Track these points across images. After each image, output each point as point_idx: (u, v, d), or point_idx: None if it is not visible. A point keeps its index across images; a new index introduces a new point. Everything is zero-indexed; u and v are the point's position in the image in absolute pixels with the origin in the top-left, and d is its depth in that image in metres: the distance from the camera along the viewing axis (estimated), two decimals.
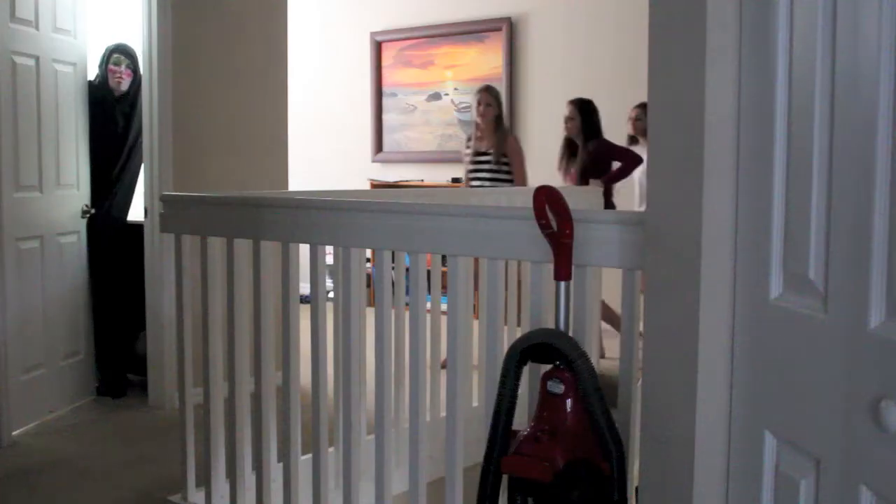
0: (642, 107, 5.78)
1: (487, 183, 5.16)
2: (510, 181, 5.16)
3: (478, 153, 5.28)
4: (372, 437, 2.37)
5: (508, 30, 6.78)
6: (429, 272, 2.76)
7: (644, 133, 5.68)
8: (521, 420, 1.79)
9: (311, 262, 2.46)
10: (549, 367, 1.72)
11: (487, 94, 5.29)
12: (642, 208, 3.46)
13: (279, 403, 2.62)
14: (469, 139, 5.43)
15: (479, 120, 5.27)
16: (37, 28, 3.97)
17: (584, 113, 5.39)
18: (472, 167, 5.31)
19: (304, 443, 2.65)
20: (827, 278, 1.13)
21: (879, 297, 1.02)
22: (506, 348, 1.79)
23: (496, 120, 5.26)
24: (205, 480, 2.85)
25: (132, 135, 4.54)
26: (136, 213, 4.60)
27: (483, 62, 6.97)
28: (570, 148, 5.47)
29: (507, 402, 1.74)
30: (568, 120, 5.43)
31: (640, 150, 5.42)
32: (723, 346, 1.37)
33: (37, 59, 3.96)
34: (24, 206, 3.89)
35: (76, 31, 4.27)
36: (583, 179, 5.30)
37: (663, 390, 1.48)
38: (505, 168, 5.18)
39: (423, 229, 2.16)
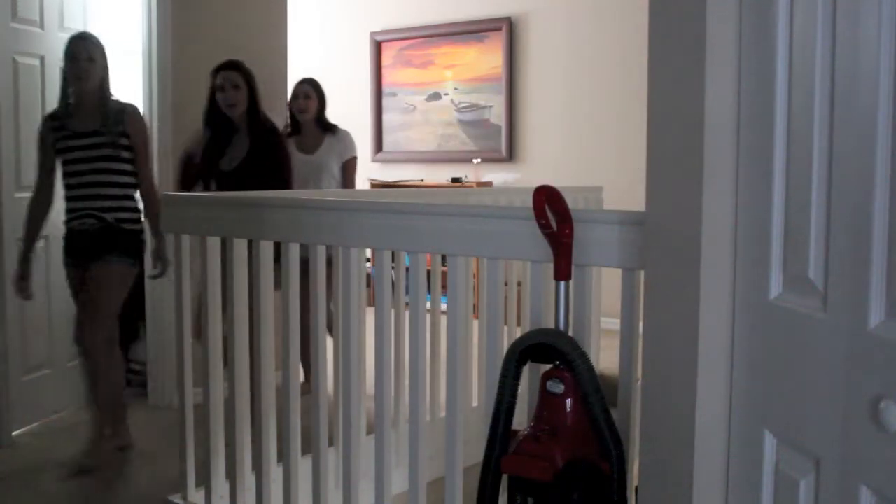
0: (310, 83, 4.66)
1: (91, 176, 3.52)
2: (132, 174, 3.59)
3: (78, 134, 3.50)
4: (372, 437, 2.37)
5: (508, 30, 6.77)
6: (428, 272, 2.77)
7: (314, 114, 4.66)
8: (521, 420, 1.79)
9: (311, 262, 2.46)
10: (549, 367, 1.72)
11: (88, 44, 3.48)
12: None
13: (279, 403, 2.62)
14: (53, 116, 3.58)
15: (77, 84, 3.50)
16: (41, 28, 3.97)
17: (252, 89, 3.97)
18: (69, 156, 3.53)
19: (303, 443, 2.65)
20: (827, 278, 1.13)
21: (879, 296, 1.02)
22: (506, 348, 1.79)
23: (100, 88, 3.52)
24: (204, 480, 2.84)
25: None
26: None
27: (483, 62, 6.97)
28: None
29: (507, 402, 1.74)
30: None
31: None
32: (723, 346, 1.37)
33: (41, 58, 3.96)
34: (25, 206, 3.88)
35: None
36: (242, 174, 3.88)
37: (663, 390, 1.48)
38: (126, 154, 3.55)
39: (423, 229, 2.15)
